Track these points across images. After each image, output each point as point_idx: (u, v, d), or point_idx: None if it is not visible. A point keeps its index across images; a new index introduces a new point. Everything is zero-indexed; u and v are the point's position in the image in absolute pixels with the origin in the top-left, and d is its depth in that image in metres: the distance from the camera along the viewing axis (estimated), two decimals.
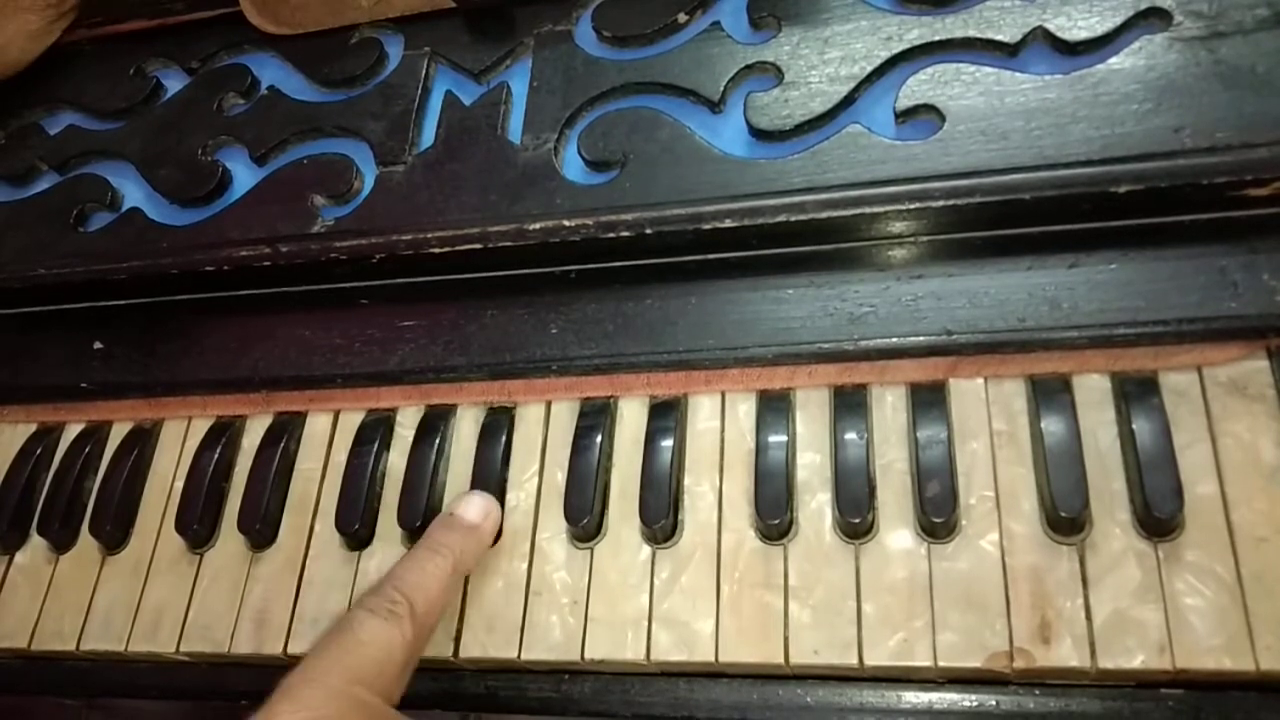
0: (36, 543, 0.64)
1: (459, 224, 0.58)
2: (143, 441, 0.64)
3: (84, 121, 0.73)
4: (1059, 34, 0.54)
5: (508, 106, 0.62)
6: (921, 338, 0.52)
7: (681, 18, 0.62)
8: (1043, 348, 0.51)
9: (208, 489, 0.60)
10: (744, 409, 0.55)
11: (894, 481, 0.51)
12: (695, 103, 0.59)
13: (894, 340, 0.52)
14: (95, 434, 0.66)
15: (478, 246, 0.57)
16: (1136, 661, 0.45)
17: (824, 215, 0.52)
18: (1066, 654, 0.46)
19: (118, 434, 0.65)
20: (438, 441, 0.58)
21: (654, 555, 0.53)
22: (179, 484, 0.62)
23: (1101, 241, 0.51)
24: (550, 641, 0.52)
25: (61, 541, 0.63)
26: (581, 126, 0.60)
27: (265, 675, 0.57)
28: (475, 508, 0.54)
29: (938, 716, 0.48)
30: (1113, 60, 0.52)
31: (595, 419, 0.56)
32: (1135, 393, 0.49)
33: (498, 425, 0.58)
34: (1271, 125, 0.48)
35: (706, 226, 0.54)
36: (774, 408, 0.54)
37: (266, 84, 0.69)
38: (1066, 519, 0.47)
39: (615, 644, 0.51)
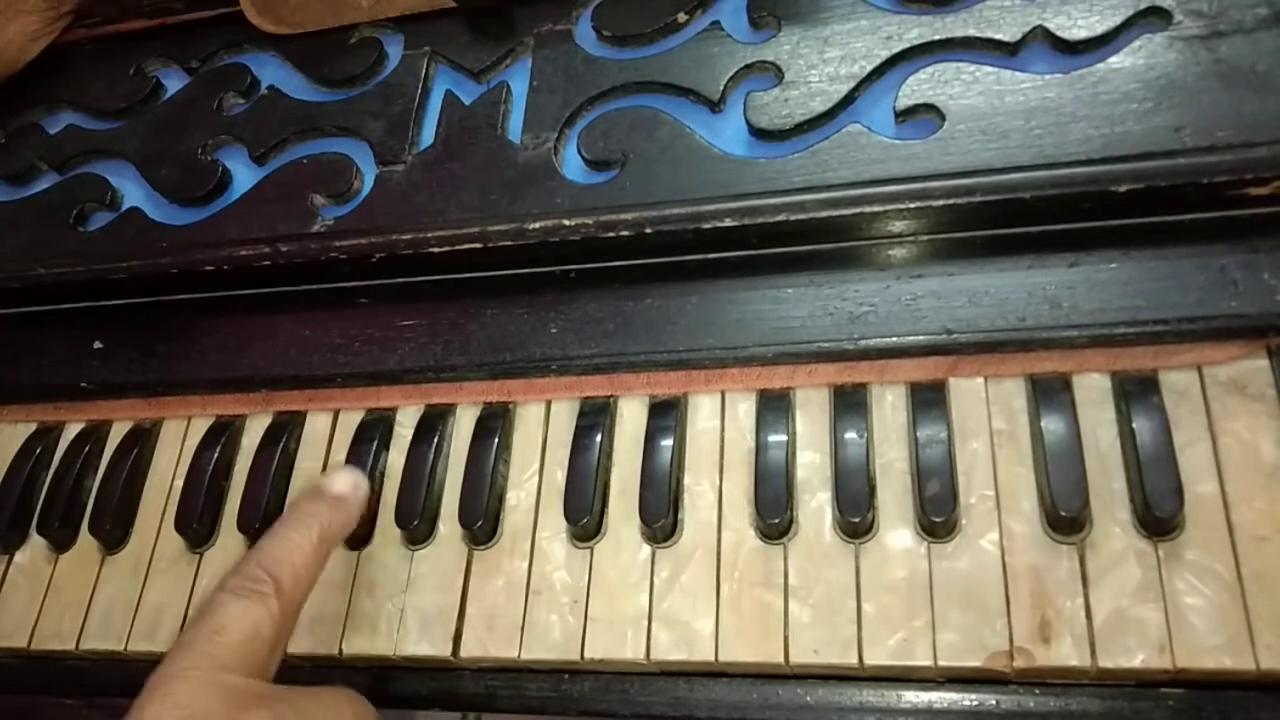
0: (36, 542, 0.63)
1: (459, 223, 0.58)
2: (142, 441, 0.64)
3: (84, 121, 0.73)
4: (1059, 33, 0.54)
5: (507, 106, 0.62)
6: (921, 337, 0.52)
7: (681, 17, 0.62)
8: (1043, 347, 0.51)
9: (207, 488, 0.60)
10: (744, 408, 0.55)
11: (894, 481, 0.51)
12: (695, 102, 0.59)
13: (894, 339, 0.52)
14: (95, 433, 0.66)
15: (477, 246, 0.57)
16: (1136, 661, 0.45)
17: (824, 214, 0.52)
18: (1066, 653, 0.46)
19: (117, 433, 0.65)
20: (436, 441, 0.58)
21: (654, 554, 0.53)
22: (178, 483, 0.62)
23: (1102, 240, 0.51)
24: (550, 641, 0.52)
25: (61, 541, 0.63)
26: (581, 126, 0.60)
27: None
28: (343, 480, 0.52)
29: (938, 716, 0.48)
30: (1113, 59, 0.52)
31: (595, 418, 0.56)
32: (1135, 392, 0.49)
33: (496, 424, 0.58)
34: (1271, 124, 0.48)
35: (706, 226, 0.54)
36: (774, 407, 0.54)
37: (266, 84, 0.69)
38: (1066, 518, 0.47)
39: (615, 643, 0.51)
